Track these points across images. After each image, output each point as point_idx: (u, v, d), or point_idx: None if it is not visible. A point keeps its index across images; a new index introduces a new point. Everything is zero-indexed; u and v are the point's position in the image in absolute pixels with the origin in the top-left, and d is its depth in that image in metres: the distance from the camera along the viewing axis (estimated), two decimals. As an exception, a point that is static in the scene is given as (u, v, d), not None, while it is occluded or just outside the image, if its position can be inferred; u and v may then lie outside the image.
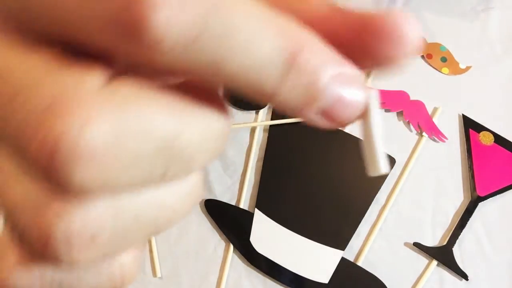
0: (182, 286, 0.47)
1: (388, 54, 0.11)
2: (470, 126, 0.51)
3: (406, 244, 0.47)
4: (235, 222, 0.48)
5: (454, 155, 0.50)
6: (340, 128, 0.48)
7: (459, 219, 0.47)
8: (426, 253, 0.46)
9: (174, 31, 0.09)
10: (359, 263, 0.47)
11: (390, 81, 0.53)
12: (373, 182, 0.49)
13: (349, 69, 0.12)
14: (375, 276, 0.46)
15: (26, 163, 0.10)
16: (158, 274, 0.47)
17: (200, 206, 0.49)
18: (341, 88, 0.11)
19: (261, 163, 0.50)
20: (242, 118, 0.52)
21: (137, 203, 0.12)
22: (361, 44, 0.12)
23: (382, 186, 0.49)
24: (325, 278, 0.46)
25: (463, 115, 0.51)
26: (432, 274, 0.46)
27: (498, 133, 0.50)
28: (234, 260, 0.47)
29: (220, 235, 0.48)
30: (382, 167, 0.12)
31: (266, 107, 0.52)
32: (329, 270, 0.46)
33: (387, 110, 0.52)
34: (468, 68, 0.54)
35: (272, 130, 0.51)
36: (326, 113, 0.11)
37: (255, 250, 0.47)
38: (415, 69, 0.54)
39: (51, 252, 0.11)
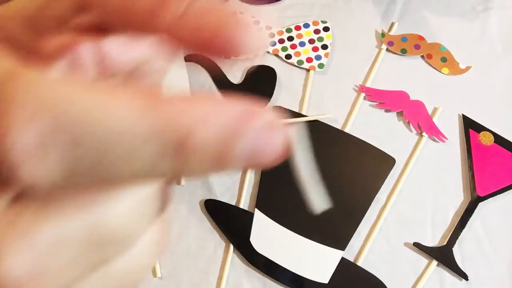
0: (182, 286, 0.47)
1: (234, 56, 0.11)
2: (470, 126, 0.51)
3: (406, 244, 0.47)
4: (235, 222, 0.48)
5: (454, 155, 0.50)
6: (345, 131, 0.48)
7: (459, 219, 0.47)
8: (426, 253, 0.46)
9: (42, 181, 0.09)
10: (359, 263, 0.47)
11: (390, 81, 0.53)
12: (373, 182, 0.49)
13: (256, 120, 0.10)
14: (375, 276, 0.46)
15: None
16: (158, 274, 0.47)
17: (200, 206, 0.49)
18: (255, 143, 0.10)
19: (261, 163, 0.50)
20: (242, 118, 0.52)
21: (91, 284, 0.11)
22: (213, 46, 0.11)
23: (382, 186, 0.49)
24: (325, 278, 0.46)
25: (463, 115, 0.51)
26: (432, 274, 0.46)
27: (498, 133, 0.50)
28: (234, 260, 0.47)
29: (220, 235, 0.48)
30: (317, 205, 0.11)
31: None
32: (329, 270, 0.46)
33: (387, 110, 0.52)
34: (468, 68, 0.54)
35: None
36: (246, 161, 0.10)
37: (255, 250, 0.47)
38: (415, 69, 0.54)
39: None
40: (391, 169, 0.49)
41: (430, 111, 0.52)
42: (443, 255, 0.46)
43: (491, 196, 0.48)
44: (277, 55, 0.55)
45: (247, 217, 0.48)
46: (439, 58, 0.54)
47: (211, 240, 0.48)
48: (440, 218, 0.48)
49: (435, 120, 0.51)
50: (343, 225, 0.48)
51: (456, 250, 0.46)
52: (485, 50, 0.55)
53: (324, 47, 0.55)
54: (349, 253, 0.47)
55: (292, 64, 0.54)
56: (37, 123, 0.09)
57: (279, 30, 0.56)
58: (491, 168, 0.49)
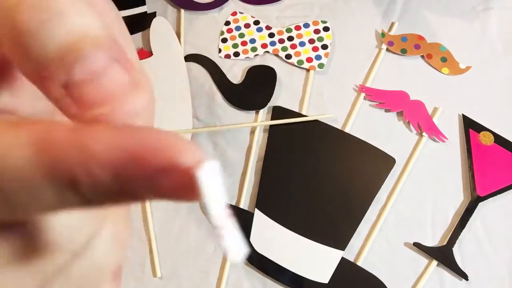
0: (182, 286, 0.47)
1: None
2: (470, 126, 0.51)
3: (406, 244, 0.47)
4: (234, 222, 0.48)
5: (454, 155, 0.50)
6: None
7: (459, 219, 0.47)
8: (426, 253, 0.47)
9: None
10: (359, 263, 0.47)
11: (390, 81, 0.53)
12: (373, 182, 0.49)
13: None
14: (375, 276, 0.46)
15: None
16: (158, 274, 0.47)
17: (200, 206, 0.49)
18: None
19: (261, 163, 0.50)
20: (242, 118, 0.52)
21: None
22: None
23: (382, 186, 0.49)
24: (325, 278, 0.46)
25: (463, 115, 0.51)
26: (432, 274, 0.46)
27: (498, 133, 0.50)
28: (234, 260, 0.47)
29: (220, 235, 0.48)
30: (232, 255, 0.10)
31: (266, 107, 0.52)
32: (329, 270, 0.46)
33: (387, 110, 0.52)
34: (468, 68, 0.54)
35: (272, 130, 0.51)
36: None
37: (255, 250, 0.47)
38: (415, 69, 0.54)
39: None
40: (391, 169, 0.49)
41: (430, 111, 0.52)
42: (443, 255, 0.46)
43: (491, 196, 0.48)
44: (277, 55, 0.55)
45: (247, 217, 0.48)
46: (439, 58, 0.54)
47: (211, 240, 0.48)
48: (440, 218, 0.48)
49: (435, 120, 0.51)
50: (343, 225, 0.48)
51: (456, 250, 0.46)
52: (485, 50, 0.55)
53: (324, 47, 0.55)
54: (349, 253, 0.47)
55: (292, 64, 0.54)
56: None
57: (279, 30, 0.56)
58: (491, 168, 0.49)
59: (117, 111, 0.10)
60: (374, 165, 0.50)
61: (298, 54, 0.54)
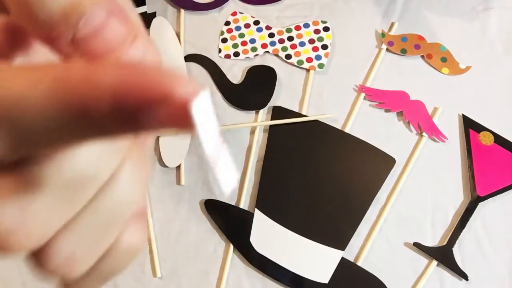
0: (182, 286, 0.47)
1: None
2: (470, 126, 0.51)
3: (406, 244, 0.47)
4: (235, 222, 0.48)
5: (454, 155, 0.50)
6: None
7: (459, 219, 0.47)
8: (426, 253, 0.47)
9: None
10: (359, 263, 0.47)
11: (390, 81, 0.53)
12: (373, 182, 0.49)
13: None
14: (375, 276, 0.46)
15: None
16: (158, 274, 0.47)
17: (200, 206, 0.49)
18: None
19: (261, 163, 0.50)
20: (242, 118, 0.52)
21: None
22: None
23: (382, 186, 0.49)
24: (325, 278, 0.46)
25: (463, 115, 0.51)
26: (432, 274, 0.46)
27: (498, 133, 0.50)
28: (234, 260, 0.47)
29: (220, 235, 0.48)
30: (224, 184, 0.11)
31: (266, 107, 0.52)
32: (329, 270, 0.46)
33: (387, 110, 0.52)
34: (468, 68, 0.54)
35: (272, 130, 0.51)
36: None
37: (255, 250, 0.47)
38: (415, 69, 0.54)
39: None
40: (391, 169, 0.49)
41: (430, 111, 0.52)
42: (443, 255, 0.46)
43: (491, 196, 0.48)
44: (277, 55, 0.55)
45: (247, 217, 0.48)
46: (439, 58, 0.54)
47: (211, 240, 0.48)
48: (440, 218, 0.48)
49: (435, 120, 0.51)
50: (343, 225, 0.48)
51: (456, 250, 0.46)
52: (485, 50, 0.55)
53: (324, 47, 0.55)
54: (349, 253, 0.47)
55: (292, 64, 0.54)
56: None
57: (279, 30, 0.56)
58: (491, 168, 0.49)
59: (119, 59, 0.11)
60: (374, 165, 0.50)
61: (298, 54, 0.54)
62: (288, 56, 0.54)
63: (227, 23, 0.56)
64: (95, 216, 0.13)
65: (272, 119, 0.52)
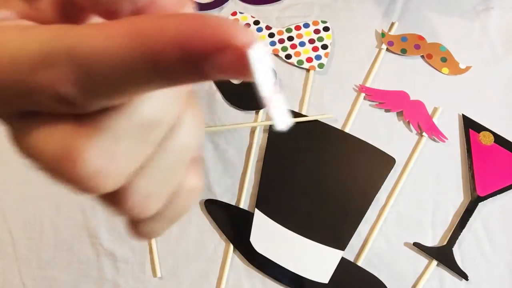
0: (182, 286, 0.47)
1: None
2: (470, 126, 0.51)
3: (406, 244, 0.47)
4: (235, 222, 0.48)
5: (454, 155, 0.50)
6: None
7: (459, 219, 0.47)
8: (426, 253, 0.47)
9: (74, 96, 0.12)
10: (359, 263, 0.47)
11: (390, 81, 0.53)
12: (373, 182, 0.49)
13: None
14: (375, 276, 0.46)
15: None
16: (158, 274, 0.47)
17: (200, 206, 0.49)
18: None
19: (261, 163, 0.50)
20: (242, 118, 0.52)
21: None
22: None
23: (382, 186, 0.49)
24: (325, 278, 0.46)
25: (463, 115, 0.51)
26: (432, 274, 0.46)
27: (498, 133, 0.50)
28: (234, 260, 0.47)
29: (220, 235, 0.48)
30: (278, 121, 0.12)
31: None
32: (329, 270, 0.46)
33: (387, 110, 0.52)
34: (468, 68, 0.54)
35: (272, 130, 0.51)
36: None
37: (255, 250, 0.47)
38: (415, 69, 0.54)
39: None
40: (391, 169, 0.49)
41: (430, 111, 0.52)
42: (443, 255, 0.46)
43: (491, 196, 0.48)
44: (277, 55, 0.55)
45: (247, 217, 0.48)
46: (439, 58, 0.54)
47: (211, 240, 0.48)
48: (440, 218, 0.48)
49: (435, 120, 0.51)
50: (343, 225, 0.48)
51: (456, 250, 0.46)
52: (485, 50, 0.55)
53: (324, 47, 0.55)
54: (349, 253, 0.47)
55: (292, 64, 0.54)
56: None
57: (279, 30, 0.56)
58: (491, 168, 0.49)
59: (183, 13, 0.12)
60: (374, 165, 0.50)
61: (298, 54, 0.54)
62: (288, 56, 0.54)
63: (227, 23, 0.56)
64: (164, 159, 0.15)
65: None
